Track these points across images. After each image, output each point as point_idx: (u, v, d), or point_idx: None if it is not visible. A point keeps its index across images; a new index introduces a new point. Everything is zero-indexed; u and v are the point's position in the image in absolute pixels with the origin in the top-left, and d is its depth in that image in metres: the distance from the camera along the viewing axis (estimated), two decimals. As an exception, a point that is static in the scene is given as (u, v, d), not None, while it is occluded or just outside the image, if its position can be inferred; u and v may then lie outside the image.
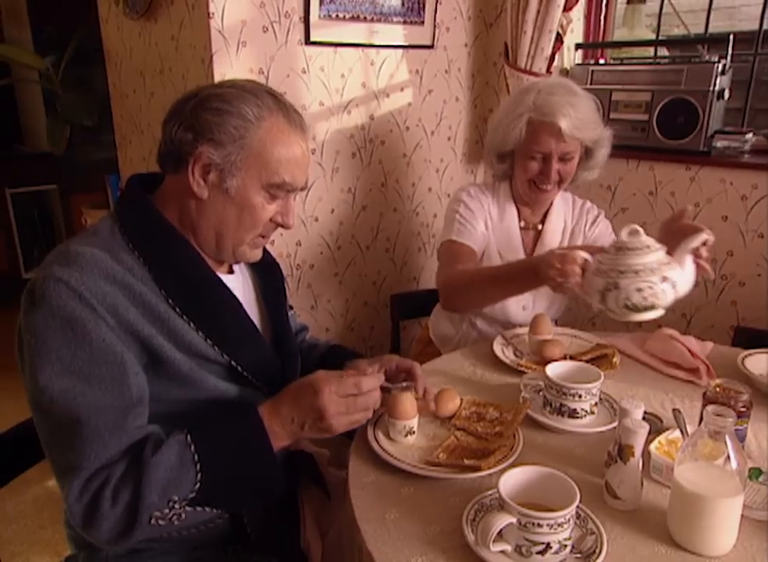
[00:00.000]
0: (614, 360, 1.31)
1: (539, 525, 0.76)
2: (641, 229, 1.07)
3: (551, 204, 1.61)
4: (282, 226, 0.99)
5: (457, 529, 0.82)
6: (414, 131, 2.16)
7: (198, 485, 0.81)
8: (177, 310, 0.89)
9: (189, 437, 0.84)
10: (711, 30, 2.13)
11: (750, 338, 1.51)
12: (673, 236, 1.19)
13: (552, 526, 0.76)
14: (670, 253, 1.10)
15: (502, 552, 0.78)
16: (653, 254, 1.06)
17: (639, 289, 1.04)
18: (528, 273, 1.26)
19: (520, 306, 1.58)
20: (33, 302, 0.83)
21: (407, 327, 2.21)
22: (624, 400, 0.97)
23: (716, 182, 1.84)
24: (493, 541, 0.77)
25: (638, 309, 1.06)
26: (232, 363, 0.94)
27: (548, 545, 0.77)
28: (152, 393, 0.88)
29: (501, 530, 0.78)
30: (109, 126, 2.42)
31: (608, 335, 1.47)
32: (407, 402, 1.02)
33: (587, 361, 1.25)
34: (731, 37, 1.80)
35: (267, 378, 1.00)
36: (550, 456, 1.01)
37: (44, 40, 3.54)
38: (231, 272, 1.05)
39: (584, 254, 1.13)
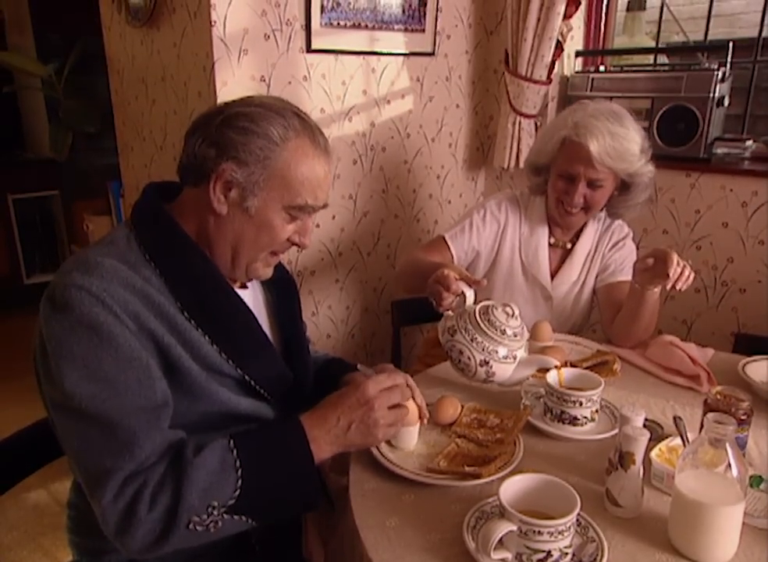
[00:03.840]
0: (615, 367, 1.31)
1: (540, 533, 0.76)
2: (517, 314, 1.12)
3: (584, 224, 1.58)
4: (297, 246, 0.99)
5: (458, 537, 0.82)
6: (415, 138, 2.17)
7: (238, 491, 0.81)
8: (193, 322, 0.89)
9: (231, 442, 0.84)
10: (711, 37, 2.14)
11: (751, 344, 1.51)
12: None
13: (552, 534, 0.76)
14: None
15: (502, 560, 0.78)
16: (499, 340, 1.10)
17: (461, 352, 1.10)
18: (429, 276, 1.22)
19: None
20: (55, 309, 0.83)
21: (407, 333, 2.22)
22: (625, 407, 0.97)
23: (716, 189, 1.84)
24: (494, 549, 0.77)
25: (453, 363, 1.13)
26: (246, 377, 0.94)
27: (548, 553, 0.77)
28: None
29: (502, 538, 0.78)
30: (111, 133, 2.44)
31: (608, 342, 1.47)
32: (411, 409, 1.03)
33: (588, 368, 1.25)
34: (731, 44, 1.80)
35: (279, 392, 1.00)
36: (551, 463, 1.01)
37: (47, 47, 3.56)
38: (244, 286, 1.05)
39: (461, 286, 1.14)
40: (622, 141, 1.41)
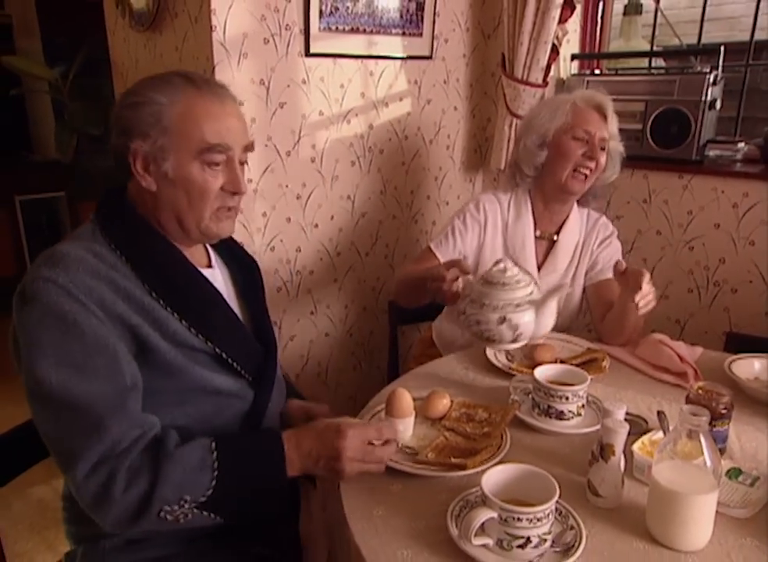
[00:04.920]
0: (603, 363, 1.34)
1: (519, 520, 0.79)
2: (510, 265, 1.11)
3: (567, 216, 1.63)
4: (235, 193, 1.01)
5: (443, 525, 0.85)
6: (413, 140, 2.20)
7: (211, 491, 0.86)
8: (161, 302, 0.94)
9: (214, 444, 0.89)
10: (713, 39, 2.16)
11: (741, 343, 1.53)
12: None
13: (531, 520, 0.79)
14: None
15: (484, 546, 0.81)
16: (504, 292, 1.09)
17: (478, 322, 1.10)
18: (424, 282, 1.26)
19: None
20: (25, 302, 0.88)
21: (405, 332, 2.24)
22: (607, 401, 1.00)
23: (708, 190, 1.86)
24: (476, 535, 0.80)
25: (480, 338, 1.12)
26: (217, 350, 0.98)
27: (528, 539, 0.80)
28: (143, 382, 0.92)
29: (484, 525, 0.81)
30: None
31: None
32: (404, 401, 1.07)
33: (577, 365, 1.28)
34: (722, 48, 1.83)
35: (251, 365, 1.04)
36: (537, 455, 1.03)
37: (54, 50, 3.62)
38: (210, 266, 1.10)
39: (457, 273, 1.17)
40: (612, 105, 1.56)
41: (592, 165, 1.53)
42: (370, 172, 2.12)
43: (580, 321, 2.12)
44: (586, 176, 1.54)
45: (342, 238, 2.10)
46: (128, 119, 0.95)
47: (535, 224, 1.62)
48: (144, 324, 0.91)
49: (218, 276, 1.09)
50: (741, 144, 1.85)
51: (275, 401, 1.09)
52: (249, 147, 1.02)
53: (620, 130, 1.99)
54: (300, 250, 2.01)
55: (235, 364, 1.01)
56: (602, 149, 1.54)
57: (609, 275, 1.57)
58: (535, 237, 1.62)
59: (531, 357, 1.36)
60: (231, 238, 1.14)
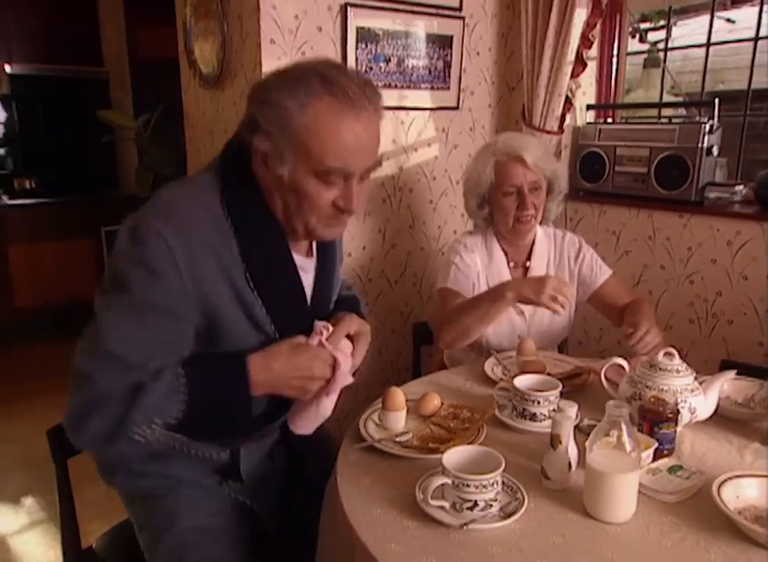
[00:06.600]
0: (584, 377, 1.49)
1: (468, 485, 0.98)
2: (675, 353, 1.24)
3: (534, 241, 1.79)
4: (344, 211, 0.99)
5: (413, 493, 1.04)
6: (441, 181, 2.44)
7: (182, 414, 0.91)
8: (251, 285, 0.98)
9: (182, 369, 0.92)
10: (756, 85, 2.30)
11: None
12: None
13: (478, 487, 0.97)
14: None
15: (441, 507, 1.00)
16: (680, 378, 1.22)
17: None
18: (494, 293, 1.48)
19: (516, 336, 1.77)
20: (132, 242, 0.93)
21: (433, 354, 2.43)
22: (561, 401, 1.18)
23: (705, 228, 2.00)
24: (436, 498, 1.00)
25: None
26: (278, 335, 1.05)
27: (476, 503, 0.98)
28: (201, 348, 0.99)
29: (443, 491, 1.01)
30: (185, 174, 2.84)
31: (594, 361, 1.64)
32: (397, 397, 1.28)
33: (561, 379, 1.44)
34: (717, 100, 1.99)
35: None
36: (509, 449, 1.19)
37: (141, 100, 4.16)
38: (310, 255, 1.12)
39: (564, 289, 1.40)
40: (538, 147, 1.70)
41: (530, 211, 1.68)
42: (400, 209, 2.36)
43: (593, 348, 2.26)
44: (531, 218, 1.69)
45: (373, 266, 2.34)
46: (253, 114, 0.94)
47: (507, 256, 1.79)
48: (230, 303, 0.96)
49: (311, 266, 1.12)
50: (740, 187, 1.99)
51: None
52: (373, 167, 0.99)
53: (628, 173, 2.19)
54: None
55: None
56: (536, 189, 1.68)
57: (600, 280, 1.76)
58: (510, 268, 1.79)
59: (523, 371, 1.54)
60: None
